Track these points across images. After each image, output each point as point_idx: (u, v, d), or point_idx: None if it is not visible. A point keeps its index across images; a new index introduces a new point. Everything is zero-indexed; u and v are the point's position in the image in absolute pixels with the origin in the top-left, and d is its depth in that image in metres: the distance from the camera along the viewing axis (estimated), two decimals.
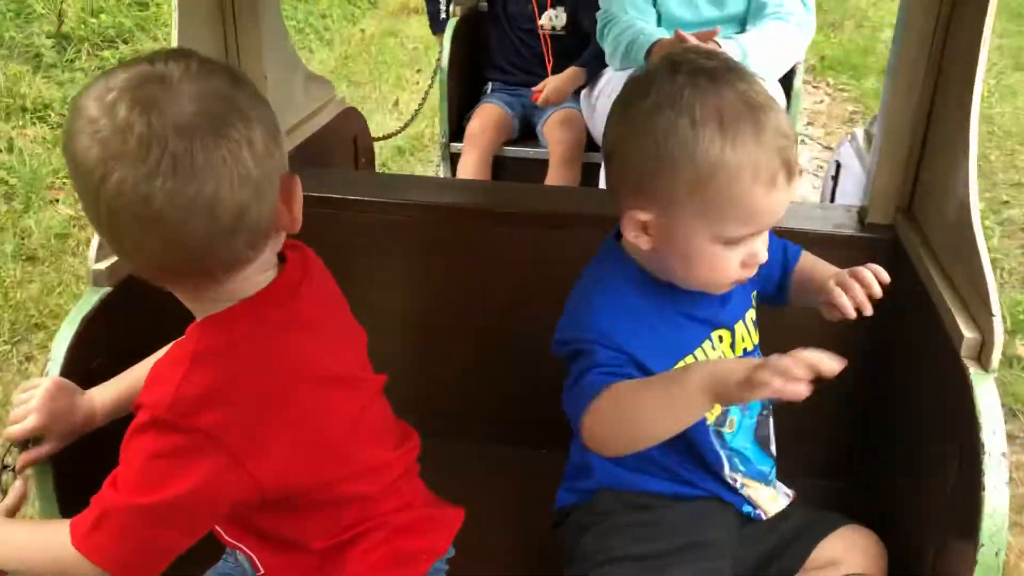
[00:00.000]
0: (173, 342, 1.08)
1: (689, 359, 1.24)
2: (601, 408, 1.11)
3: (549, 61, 3.25)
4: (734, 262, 1.16)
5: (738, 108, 1.10)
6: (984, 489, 1.10)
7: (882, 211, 1.63)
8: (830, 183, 2.44)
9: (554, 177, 3.12)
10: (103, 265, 1.37)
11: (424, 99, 3.77)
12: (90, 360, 1.33)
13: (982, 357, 1.19)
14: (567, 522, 1.35)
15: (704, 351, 1.26)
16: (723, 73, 1.12)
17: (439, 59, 3.35)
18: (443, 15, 3.57)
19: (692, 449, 1.29)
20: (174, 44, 1.55)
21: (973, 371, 1.18)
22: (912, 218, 1.59)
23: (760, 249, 1.16)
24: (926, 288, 1.40)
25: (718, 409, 1.27)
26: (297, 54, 2.03)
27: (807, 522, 1.37)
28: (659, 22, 2.80)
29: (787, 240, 1.38)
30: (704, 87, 1.10)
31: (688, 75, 1.11)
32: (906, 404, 1.49)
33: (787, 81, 2.97)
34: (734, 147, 1.08)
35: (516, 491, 1.51)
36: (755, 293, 1.35)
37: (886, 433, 1.56)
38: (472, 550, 1.32)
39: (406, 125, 3.69)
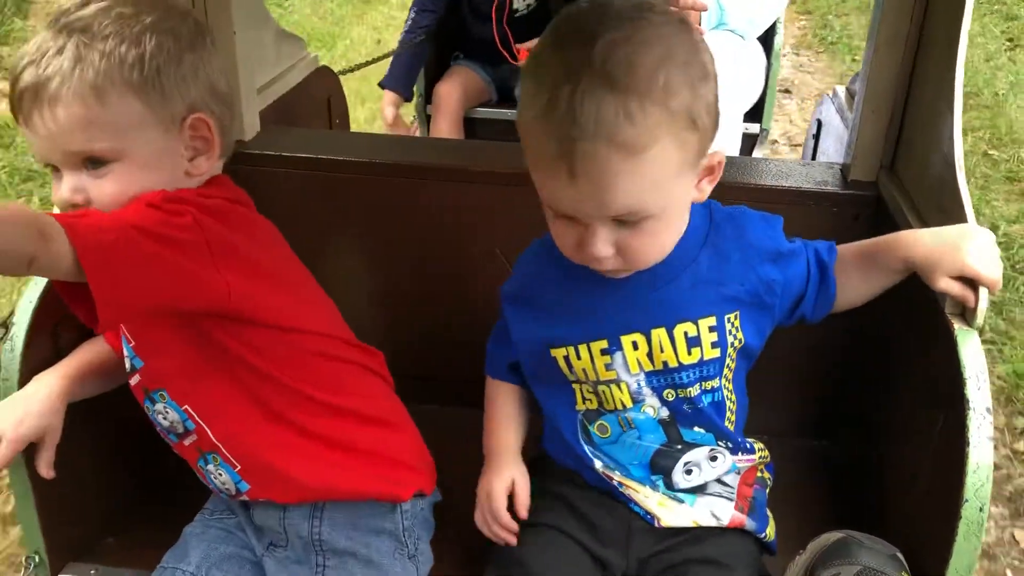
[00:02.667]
0: None
1: (560, 352, 1.21)
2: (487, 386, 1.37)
3: (512, 40, 3.16)
4: (569, 238, 1.10)
5: (555, 72, 1.00)
6: (969, 444, 1.09)
7: (865, 168, 1.61)
8: (811, 141, 2.43)
9: None
10: None
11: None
12: (57, 321, 1.29)
13: (966, 313, 1.18)
14: None
15: (578, 351, 1.20)
16: (596, 32, 1.00)
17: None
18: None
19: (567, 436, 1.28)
20: None
21: (957, 327, 1.17)
22: (895, 175, 1.57)
23: (588, 240, 1.07)
24: None
25: (593, 402, 1.23)
26: (267, 9, 1.97)
27: (718, 556, 1.22)
28: None
29: (817, 244, 1.25)
30: (560, 43, 1.04)
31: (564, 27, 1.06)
32: (890, 362, 1.48)
33: (767, 40, 2.94)
34: (534, 117, 1.02)
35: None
36: (735, 314, 1.19)
37: (869, 391, 1.56)
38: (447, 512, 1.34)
39: (376, 59, 3.49)
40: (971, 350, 1.15)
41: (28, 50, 1.09)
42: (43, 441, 1.23)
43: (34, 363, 1.26)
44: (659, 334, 1.17)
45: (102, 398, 1.33)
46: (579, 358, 1.20)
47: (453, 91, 3.18)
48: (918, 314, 1.31)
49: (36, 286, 1.28)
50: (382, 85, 3.15)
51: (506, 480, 1.28)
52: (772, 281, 1.20)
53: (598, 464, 1.25)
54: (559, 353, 1.21)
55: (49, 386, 1.24)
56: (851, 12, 6.59)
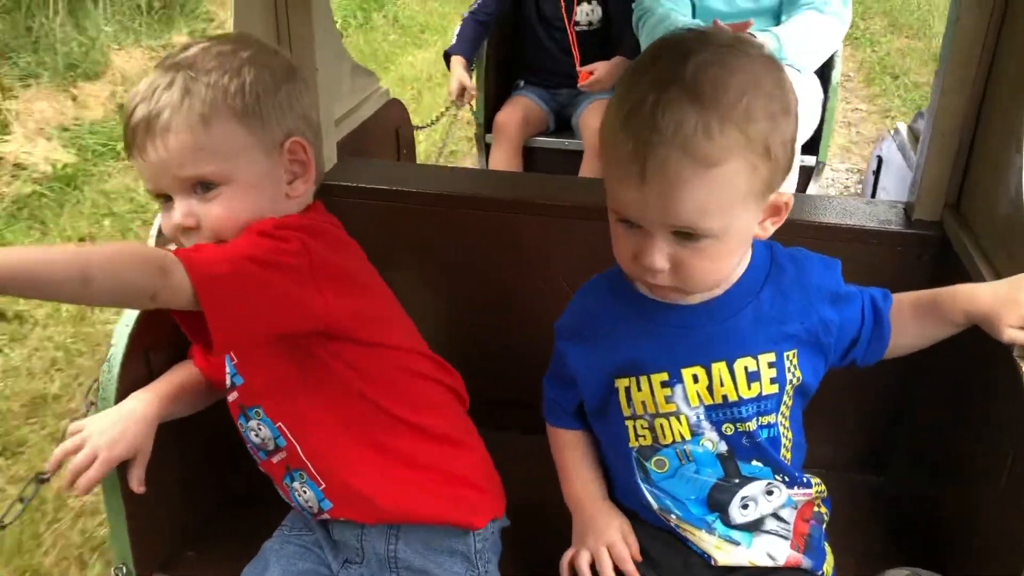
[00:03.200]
0: None
1: (623, 383, 1.23)
2: (550, 436, 1.39)
3: (577, 57, 3.22)
4: (627, 247, 1.12)
5: (646, 82, 1.05)
6: None
7: (929, 207, 1.62)
8: (871, 178, 2.43)
9: (588, 168, 3.13)
10: None
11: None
12: (148, 346, 1.36)
13: None
14: None
15: (639, 383, 1.22)
16: (691, 51, 1.05)
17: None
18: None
19: (616, 479, 1.31)
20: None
21: None
22: (960, 215, 1.58)
23: (646, 249, 1.09)
24: None
25: (647, 437, 1.24)
26: (344, 46, 2.05)
27: None
28: (693, 14, 2.80)
29: (872, 290, 1.26)
30: (655, 58, 1.09)
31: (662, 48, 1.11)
32: (952, 403, 1.48)
33: (824, 74, 2.96)
34: (617, 118, 1.07)
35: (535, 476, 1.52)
36: (793, 352, 1.21)
37: (928, 427, 1.56)
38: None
39: (438, 117, 3.65)
40: None
41: (139, 89, 1.18)
42: (135, 460, 1.29)
43: (129, 382, 1.32)
44: (719, 368, 1.18)
45: (189, 417, 1.39)
46: (639, 389, 1.22)
47: (513, 119, 3.24)
48: (982, 353, 1.31)
49: (131, 312, 1.35)
50: (448, 52, 3.20)
51: (618, 529, 1.27)
52: (830, 321, 1.22)
53: (655, 505, 1.26)
54: (622, 384, 1.23)
55: (144, 406, 1.31)
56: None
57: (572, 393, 1.33)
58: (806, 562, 1.27)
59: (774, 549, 1.26)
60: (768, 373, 1.19)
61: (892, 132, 2.33)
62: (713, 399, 1.20)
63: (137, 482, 1.30)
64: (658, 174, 1.03)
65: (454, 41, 3.22)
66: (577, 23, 3.24)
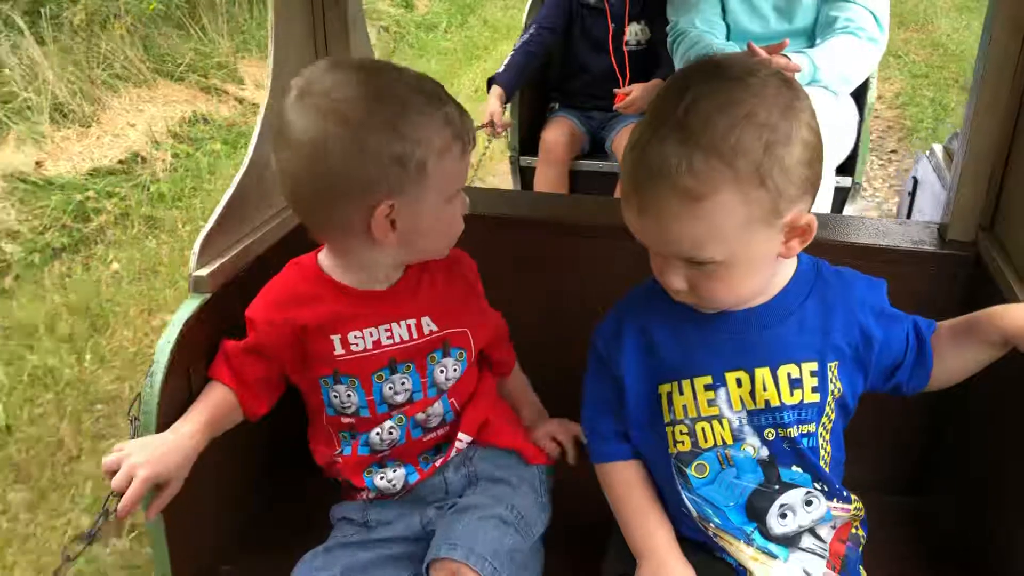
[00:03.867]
0: None
1: (665, 388, 1.26)
2: (601, 477, 1.36)
3: (628, 78, 3.23)
4: (654, 264, 1.20)
5: (649, 116, 1.12)
6: None
7: (963, 228, 1.61)
8: (907, 199, 2.42)
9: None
10: (204, 272, 1.44)
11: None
12: (191, 364, 1.39)
13: None
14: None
15: (681, 387, 1.24)
16: (689, 85, 1.10)
17: None
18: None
19: (658, 483, 1.32)
20: (270, 59, 1.63)
21: None
22: (995, 236, 1.57)
23: (664, 271, 1.18)
24: None
25: (686, 443, 1.25)
26: None
27: None
28: (728, 36, 2.81)
29: (916, 317, 1.27)
30: (664, 91, 1.14)
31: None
32: (991, 424, 1.47)
33: (859, 97, 2.95)
34: (625, 152, 1.14)
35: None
36: (835, 364, 1.22)
37: (967, 451, 1.55)
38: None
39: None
40: None
41: None
42: (166, 488, 1.29)
43: (170, 398, 1.35)
44: (763, 373, 1.20)
45: (227, 439, 1.42)
46: (681, 393, 1.24)
47: (560, 139, 3.25)
48: (1019, 373, 1.31)
49: (173, 328, 1.38)
50: (492, 80, 3.21)
51: None
52: (872, 337, 1.23)
53: (695, 512, 1.27)
54: (664, 389, 1.26)
55: (186, 439, 1.31)
56: None
57: (614, 417, 1.33)
58: None
59: (810, 566, 1.26)
60: (810, 382, 1.21)
61: (927, 153, 2.32)
62: (755, 404, 1.21)
63: (156, 509, 1.30)
64: (651, 209, 1.10)
65: (501, 68, 3.23)
66: (627, 43, 3.26)
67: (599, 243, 1.71)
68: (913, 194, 2.37)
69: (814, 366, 1.21)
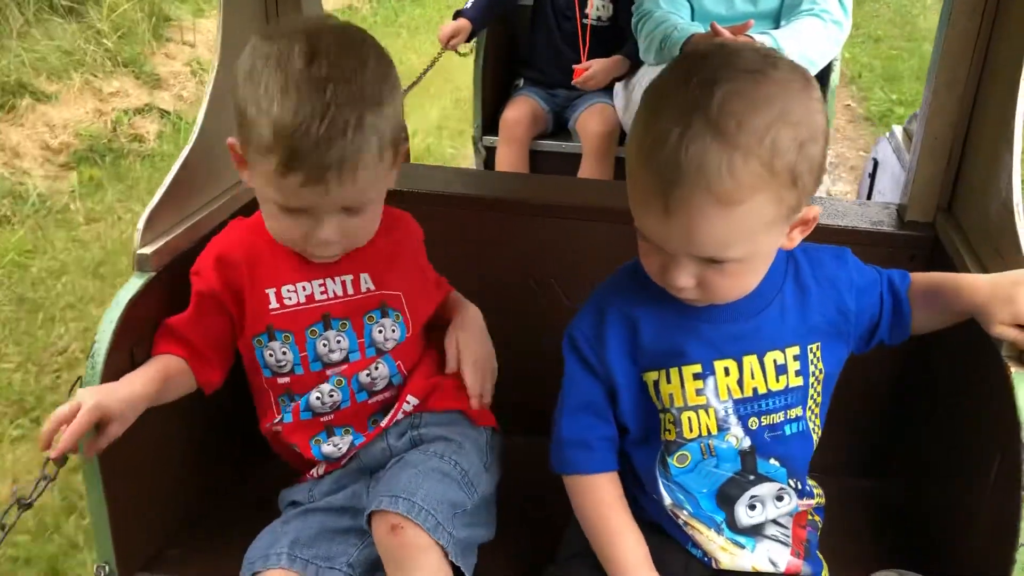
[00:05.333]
0: None
1: (651, 376, 1.22)
2: (575, 489, 1.28)
3: (584, 50, 3.22)
4: (654, 264, 1.15)
5: (670, 111, 1.03)
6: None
7: (922, 209, 1.62)
8: (867, 181, 2.43)
9: (587, 170, 3.12)
10: (148, 250, 1.39)
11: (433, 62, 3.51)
12: (134, 342, 1.35)
13: (1023, 357, 1.18)
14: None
15: (669, 375, 1.21)
16: (718, 79, 1.02)
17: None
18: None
19: (638, 468, 1.28)
20: (218, 42, 1.58)
21: (1015, 370, 1.18)
22: (952, 216, 1.58)
23: (671, 270, 1.11)
24: None
25: (672, 432, 1.23)
26: None
27: None
28: (692, 16, 2.79)
29: (890, 271, 1.28)
30: (682, 82, 1.05)
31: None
32: (945, 404, 1.48)
33: (823, 79, 2.95)
34: (642, 149, 1.07)
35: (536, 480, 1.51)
36: (816, 345, 1.22)
37: (923, 432, 1.56)
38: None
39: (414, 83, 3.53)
40: None
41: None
42: (110, 425, 1.23)
43: (113, 377, 1.30)
44: (751, 361, 1.20)
45: (173, 418, 1.39)
46: (669, 382, 1.22)
47: (521, 118, 3.23)
48: (972, 355, 1.31)
49: (116, 307, 1.34)
50: (458, 13, 3.16)
51: None
52: (847, 310, 1.23)
53: (668, 499, 1.26)
54: (650, 377, 1.23)
55: (137, 384, 1.29)
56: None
57: (603, 417, 1.26)
58: (806, 569, 1.27)
59: (776, 555, 1.26)
60: (793, 366, 1.21)
61: (887, 135, 2.33)
62: (743, 392, 1.21)
63: (93, 449, 1.23)
64: (681, 210, 1.03)
65: (467, 5, 3.19)
66: (587, 16, 3.24)
67: (556, 223, 1.69)
68: (873, 175, 2.37)
69: (796, 350, 1.21)
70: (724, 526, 1.25)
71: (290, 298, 1.36)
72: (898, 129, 2.29)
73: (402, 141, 1.30)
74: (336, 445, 1.41)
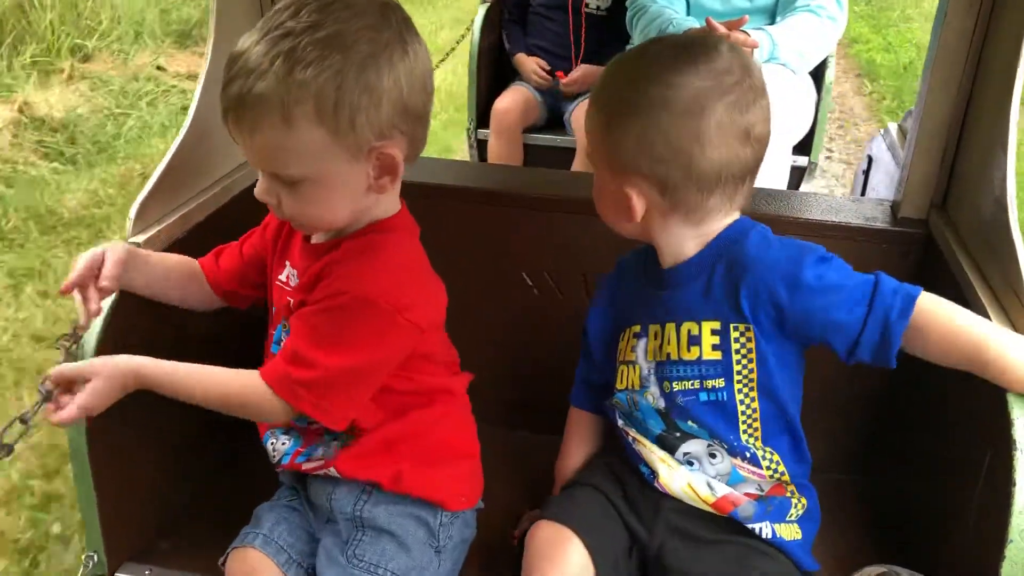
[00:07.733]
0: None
1: (621, 333, 1.36)
2: None
3: (583, 40, 3.23)
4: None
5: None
6: (1015, 485, 1.09)
7: (915, 205, 1.61)
8: (861, 177, 2.43)
9: (580, 165, 3.12)
10: (140, 239, 1.39)
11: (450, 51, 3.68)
12: (124, 335, 1.34)
13: None
14: None
15: (625, 334, 1.35)
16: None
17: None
18: None
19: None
20: (211, 37, 1.57)
21: None
22: (946, 213, 1.58)
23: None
24: (959, 284, 1.39)
25: (616, 383, 1.36)
26: None
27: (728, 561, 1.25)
28: (688, 11, 2.79)
29: (889, 306, 1.16)
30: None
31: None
32: (934, 400, 1.48)
33: (818, 75, 2.95)
34: None
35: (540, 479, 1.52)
36: (745, 326, 1.22)
37: (910, 428, 1.56)
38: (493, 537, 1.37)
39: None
40: None
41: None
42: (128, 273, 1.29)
43: None
44: (670, 328, 1.28)
45: (162, 410, 1.38)
46: (622, 339, 1.36)
47: (512, 107, 3.22)
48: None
49: (104, 300, 1.33)
50: (512, 53, 3.37)
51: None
52: (781, 307, 1.19)
53: (620, 422, 1.36)
54: (619, 335, 1.37)
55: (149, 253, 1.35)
56: None
57: (588, 360, 1.47)
58: (750, 508, 1.26)
59: (716, 484, 1.27)
60: (710, 340, 1.24)
61: (882, 131, 2.33)
62: (660, 356, 1.29)
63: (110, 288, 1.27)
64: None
65: (508, 45, 3.40)
66: (587, 6, 3.24)
67: (549, 216, 1.68)
68: (868, 172, 2.37)
69: (716, 325, 1.24)
70: (667, 441, 1.31)
71: (281, 275, 1.31)
72: (893, 126, 2.29)
73: (384, 146, 1.12)
74: (276, 447, 1.33)
